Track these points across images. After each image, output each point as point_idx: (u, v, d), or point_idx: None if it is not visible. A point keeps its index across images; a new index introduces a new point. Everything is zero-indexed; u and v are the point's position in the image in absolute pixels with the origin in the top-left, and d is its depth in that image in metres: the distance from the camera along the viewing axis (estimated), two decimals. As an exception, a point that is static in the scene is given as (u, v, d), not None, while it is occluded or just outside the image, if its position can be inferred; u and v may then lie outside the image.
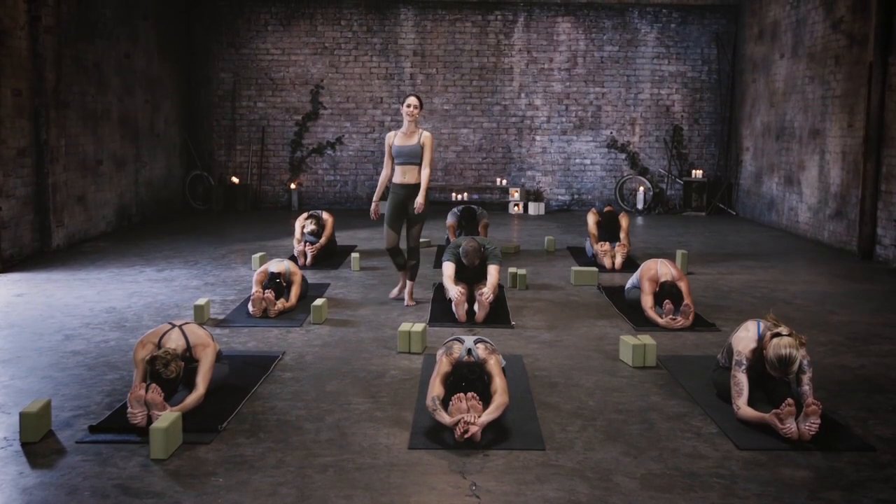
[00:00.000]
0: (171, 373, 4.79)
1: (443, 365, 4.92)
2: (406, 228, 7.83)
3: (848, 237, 11.28)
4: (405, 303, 7.89)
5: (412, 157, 7.64)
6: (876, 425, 4.87)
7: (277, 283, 7.59)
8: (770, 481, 4.10)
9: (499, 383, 4.82)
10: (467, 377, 4.81)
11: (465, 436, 4.46)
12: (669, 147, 16.33)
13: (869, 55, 10.51)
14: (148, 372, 4.87)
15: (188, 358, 5.01)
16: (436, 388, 4.78)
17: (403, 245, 7.98)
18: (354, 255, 9.86)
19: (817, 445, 4.50)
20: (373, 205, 7.97)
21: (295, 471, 4.18)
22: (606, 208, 10.53)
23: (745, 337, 4.97)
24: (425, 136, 7.69)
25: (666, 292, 7.20)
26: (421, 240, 11.46)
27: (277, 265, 7.84)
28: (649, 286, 7.34)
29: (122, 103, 13.01)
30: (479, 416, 4.52)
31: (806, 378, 4.80)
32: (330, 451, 4.43)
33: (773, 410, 4.60)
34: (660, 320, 7.13)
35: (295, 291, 7.69)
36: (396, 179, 7.73)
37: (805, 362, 4.80)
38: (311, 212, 10.48)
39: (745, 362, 4.87)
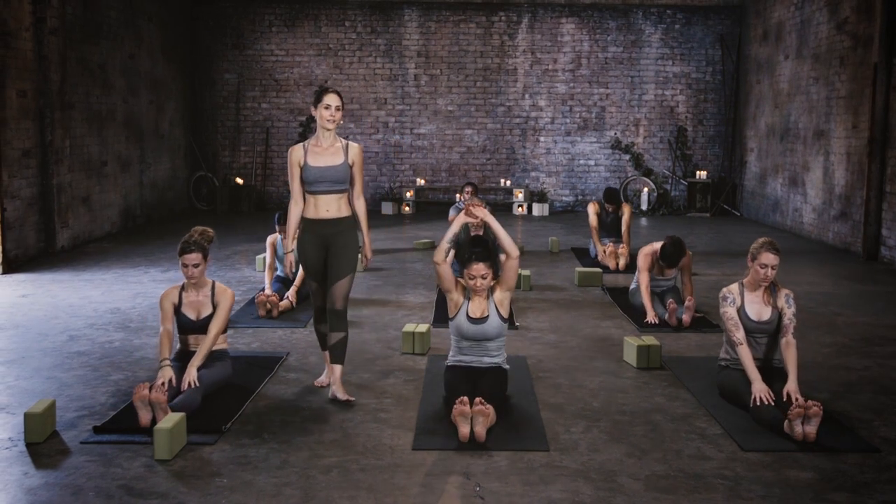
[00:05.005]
0: (202, 249, 5.25)
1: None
2: (328, 281, 5.31)
3: (853, 238, 11.26)
4: (340, 395, 5.22)
5: (338, 183, 5.23)
6: (881, 426, 4.86)
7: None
8: (774, 483, 4.09)
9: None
10: (476, 246, 5.10)
11: (475, 217, 5.03)
12: (674, 148, 16.31)
13: (874, 56, 10.49)
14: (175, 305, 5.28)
15: (211, 298, 5.34)
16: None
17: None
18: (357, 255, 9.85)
19: (822, 447, 4.49)
20: (289, 254, 5.39)
21: (299, 471, 4.18)
22: (608, 191, 10.31)
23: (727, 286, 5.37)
24: (354, 150, 5.31)
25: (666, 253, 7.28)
26: (423, 240, 11.50)
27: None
28: (645, 261, 7.39)
29: (127, 104, 13.04)
30: (486, 419, 4.55)
31: (790, 313, 5.10)
32: (334, 451, 4.43)
33: (787, 414, 4.60)
34: (650, 310, 7.21)
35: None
36: (313, 213, 5.26)
37: (791, 298, 5.15)
38: None
39: (729, 296, 5.17)
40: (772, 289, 5.20)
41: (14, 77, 9.70)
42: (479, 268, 5.05)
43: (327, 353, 5.35)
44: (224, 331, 5.37)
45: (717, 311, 7.68)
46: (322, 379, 5.53)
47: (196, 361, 5.09)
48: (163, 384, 4.87)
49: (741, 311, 5.16)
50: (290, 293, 7.67)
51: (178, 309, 5.31)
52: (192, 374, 5.00)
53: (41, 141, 10.36)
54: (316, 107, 5.24)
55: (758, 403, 4.78)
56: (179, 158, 15.49)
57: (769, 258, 5.07)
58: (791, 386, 4.84)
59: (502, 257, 7.43)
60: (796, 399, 4.71)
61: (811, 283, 9.19)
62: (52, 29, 10.42)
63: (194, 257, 5.23)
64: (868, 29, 10.84)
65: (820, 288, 8.90)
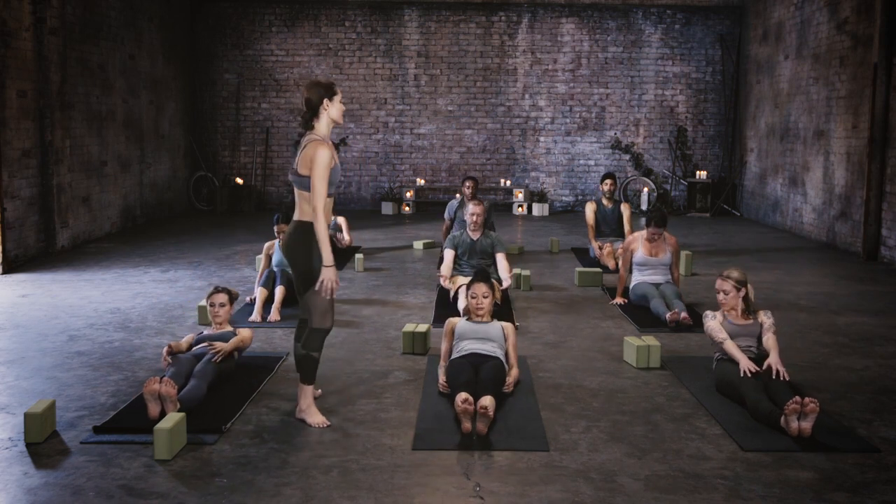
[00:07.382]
0: (228, 293, 5.89)
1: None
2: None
3: (853, 238, 11.26)
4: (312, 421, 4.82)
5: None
6: (881, 426, 4.87)
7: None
8: (774, 483, 4.10)
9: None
10: (477, 273, 5.81)
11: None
12: (674, 148, 16.31)
13: (873, 56, 10.49)
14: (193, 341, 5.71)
15: (232, 332, 5.80)
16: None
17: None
18: (358, 255, 9.88)
19: (822, 447, 4.49)
20: (332, 271, 4.67)
21: (299, 472, 4.18)
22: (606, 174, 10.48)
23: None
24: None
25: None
26: (425, 240, 11.49)
27: None
28: (629, 243, 7.99)
29: (127, 105, 13.04)
30: (488, 420, 4.61)
31: (769, 322, 5.49)
32: (334, 451, 4.43)
33: (783, 409, 4.61)
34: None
35: None
36: (326, 219, 4.84)
37: (769, 314, 5.58)
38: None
39: (710, 313, 5.62)
40: (750, 311, 5.62)
41: (14, 77, 9.70)
42: (481, 287, 5.64)
43: (312, 387, 4.84)
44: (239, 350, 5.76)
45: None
46: (317, 421, 4.74)
47: (231, 343, 5.53)
48: (168, 361, 5.29)
49: (723, 323, 5.56)
50: (274, 314, 7.22)
51: (195, 341, 5.75)
52: (224, 346, 5.44)
53: (41, 141, 10.36)
54: (332, 99, 4.69)
55: (748, 375, 5.08)
56: (179, 158, 15.49)
57: (721, 284, 5.61)
58: (772, 359, 5.18)
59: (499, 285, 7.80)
60: (777, 369, 5.07)
61: (811, 283, 9.19)
62: (52, 29, 10.42)
63: (221, 297, 5.87)
64: (868, 29, 10.84)
65: (820, 288, 8.90)
